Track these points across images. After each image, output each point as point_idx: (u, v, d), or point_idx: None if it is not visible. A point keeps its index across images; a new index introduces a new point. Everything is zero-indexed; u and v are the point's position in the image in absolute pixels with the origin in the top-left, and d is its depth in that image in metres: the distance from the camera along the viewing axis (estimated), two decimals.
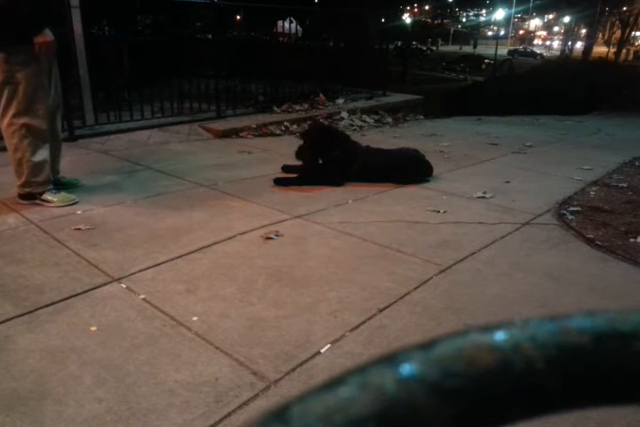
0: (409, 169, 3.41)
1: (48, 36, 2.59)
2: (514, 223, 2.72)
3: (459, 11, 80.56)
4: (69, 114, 4.13)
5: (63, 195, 2.82)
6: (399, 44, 24.32)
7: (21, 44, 2.53)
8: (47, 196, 2.77)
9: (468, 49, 42.54)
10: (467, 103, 11.14)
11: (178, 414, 1.31)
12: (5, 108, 2.65)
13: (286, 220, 2.68)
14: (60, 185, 2.99)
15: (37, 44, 2.57)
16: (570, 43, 38.27)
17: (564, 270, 2.19)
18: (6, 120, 2.66)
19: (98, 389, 1.39)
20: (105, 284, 1.95)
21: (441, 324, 1.75)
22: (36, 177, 2.75)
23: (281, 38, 6.65)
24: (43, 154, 2.76)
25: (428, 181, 3.47)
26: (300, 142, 3.44)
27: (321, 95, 6.30)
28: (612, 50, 34.55)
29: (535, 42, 71.39)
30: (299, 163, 3.51)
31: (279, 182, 3.28)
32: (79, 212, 2.70)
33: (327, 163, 3.34)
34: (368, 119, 5.92)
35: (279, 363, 1.52)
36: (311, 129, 3.61)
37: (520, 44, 59.65)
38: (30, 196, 2.76)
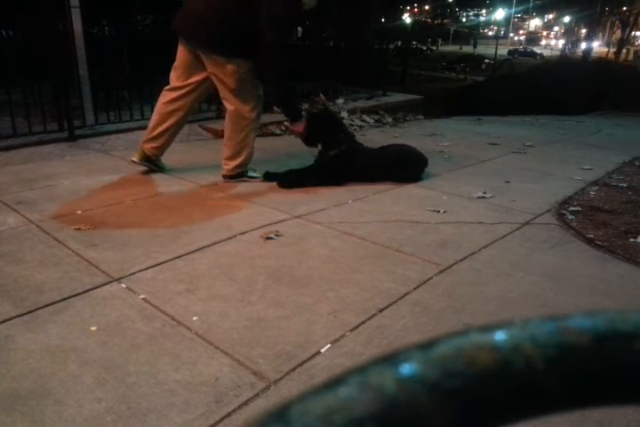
0: (403, 163, 3.40)
1: None
2: (514, 223, 2.72)
3: (459, 11, 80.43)
4: (69, 114, 4.14)
5: (259, 172, 3.38)
6: (399, 43, 24.28)
7: (248, 58, 3.00)
8: (251, 173, 3.37)
9: (468, 49, 42.51)
10: (467, 103, 11.11)
11: (178, 414, 1.31)
12: (243, 103, 3.14)
13: (286, 220, 2.68)
14: (157, 166, 3.45)
15: None
16: (570, 43, 38.25)
17: (564, 270, 2.19)
18: (246, 112, 3.16)
19: (98, 389, 1.39)
20: (105, 284, 1.95)
21: (441, 324, 1.75)
22: (249, 161, 3.34)
23: None
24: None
25: (421, 179, 3.46)
26: (299, 142, 3.41)
27: (321, 95, 6.29)
28: (613, 50, 34.56)
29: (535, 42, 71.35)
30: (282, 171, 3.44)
31: (283, 185, 3.25)
32: (79, 212, 2.70)
33: (328, 162, 3.32)
34: (368, 119, 5.92)
35: (279, 363, 1.52)
36: (322, 114, 3.51)
37: (520, 44, 59.65)
38: (239, 175, 3.33)
